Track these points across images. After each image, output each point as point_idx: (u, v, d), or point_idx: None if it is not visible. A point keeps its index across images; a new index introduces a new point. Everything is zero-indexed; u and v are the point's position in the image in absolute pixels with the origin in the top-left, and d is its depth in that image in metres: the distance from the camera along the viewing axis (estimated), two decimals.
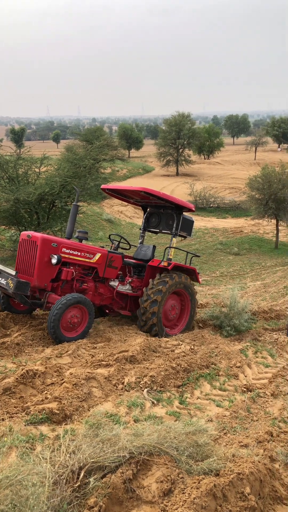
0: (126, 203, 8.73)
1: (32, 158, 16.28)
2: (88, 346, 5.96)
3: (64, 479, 2.65)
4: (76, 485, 2.63)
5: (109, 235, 8.28)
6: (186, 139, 52.88)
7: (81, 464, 2.75)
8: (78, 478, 2.69)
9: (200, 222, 30.83)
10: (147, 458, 2.87)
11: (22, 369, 4.61)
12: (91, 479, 2.65)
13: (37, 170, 15.97)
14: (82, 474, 2.70)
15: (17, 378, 4.42)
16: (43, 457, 2.94)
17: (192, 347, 6.33)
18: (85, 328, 6.22)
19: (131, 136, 65.91)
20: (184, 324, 7.52)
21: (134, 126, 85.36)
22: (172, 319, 7.41)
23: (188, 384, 5.16)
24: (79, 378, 4.48)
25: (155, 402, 4.50)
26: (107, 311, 7.90)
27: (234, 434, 3.93)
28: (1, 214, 14.75)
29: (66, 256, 6.40)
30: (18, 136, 73.35)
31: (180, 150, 53.27)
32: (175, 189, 40.62)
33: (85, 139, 41.89)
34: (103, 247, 7.36)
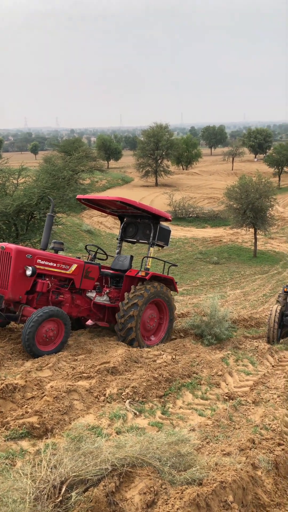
0: (106, 214, 8.69)
1: (9, 170, 16.15)
2: (69, 359, 5.89)
3: (45, 494, 2.60)
4: (57, 500, 2.58)
5: (85, 246, 8.22)
6: (164, 150, 53.45)
7: (63, 479, 2.71)
8: (59, 493, 2.64)
9: (179, 232, 31.06)
10: (129, 470, 2.84)
11: (1, 383, 4.51)
12: (73, 494, 2.61)
13: (15, 181, 15.85)
14: (63, 489, 2.65)
15: None
16: (23, 473, 2.88)
17: (174, 356, 6.33)
18: (62, 341, 6.13)
19: (109, 147, 66.22)
20: (163, 333, 7.51)
21: (112, 137, 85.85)
22: (150, 329, 7.39)
23: (170, 394, 5.15)
24: (60, 391, 4.42)
25: (137, 413, 4.47)
26: (86, 323, 7.81)
27: (216, 443, 3.94)
28: None
29: (41, 267, 6.30)
30: None
31: (159, 161, 53.77)
32: (155, 199, 40.88)
33: (63, 150, 41.83)
34: (79, 257, 7.30)
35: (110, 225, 30.94)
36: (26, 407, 4.18)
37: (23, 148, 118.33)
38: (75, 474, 2.73)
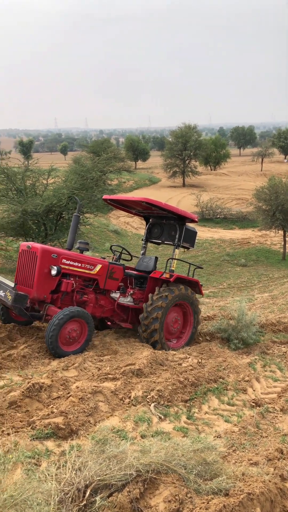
0: (132, 215, 8.68)
1: (39, 170, 16.41)
2: (95, 359, 5.90)
3: (69, 497, 2.59)
4: (82, 504, 2.57)
5: (111, 246, 8.21)
6: (192, 150, 53.14)
7: (87, 482, 2.70)
8: (84, 496, 2.63)
9: (206, 233, 30.80)
10: (154, 476, 2.80)
11: (28, 382, 4.57)
12: (98, 498, 2.59)
13: (44, 181, 16.09)
14: (88, 493, 2.64)
15: (23, 392, 4.38)
16: (48, 474, 2.89)
17: (200, 360, 6.24)
18: (85, 342, 6.13)
19: (137, 148, 66.37)
20: (187, 336, 7.41)
21: (140, 138, 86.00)
22: (174, 332, 7.30)
23: (195, 399, 5.08)
24: (85, 392, 4.42)
25: (162, 417, 4.43)
26: (108, 323, 7.81)
27: (243, 451, 3.85)
28: (9, 225, 14.84)
29: (66, 267, 6.32)
30: (26, 148, 74.10)
31: (187, 161, 53.51)
32: (182, 200, 40.70)
33: (92, 151, 42.26)
34: (104, 258, 7.31)
35: (137, 226, 31.01)
36: (52, 407, 4.21)
37: (53, 148, 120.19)
38: (99, 478, 2.71)
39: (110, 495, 2.66)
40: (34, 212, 13.95)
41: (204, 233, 30.24)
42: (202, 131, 67.84)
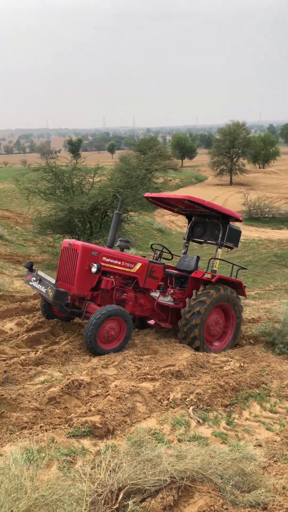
0: (175, 213, 8.57)
1: (86, 169, 16.68)
2: (134, 358, 5.88)
3: (102, 499, 2.56)
4: (114, 507, 2.54)
5: (151, 245, 8.13)
6: (240, 148, 52.12)
7: (121, 485, 2.66)
8: (117, 499, 2.60)
9: (253, 233, 30.05)
10: (189, 484, 2.72)
11: (68, 379, 4.61)
12: (130, 502, 2.55)
13: (91, 180, 16.33)
14: (121, 496, 2.61)
15: (62, 388, 4.42)
16: (83, 473, 2.88)
17: (242, 364, 6.06)
18: (124, 339, 6.12)
19: (184, 146, 65.97)
20: (228, 340, 7.20)
21: (188, 135, 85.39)
22: (215, 335, 7.12)
23: (236, 404, 4.92)
24: (123, 392, 4.40)
25: (201, 421, 4.32)
26: (148, 322, 7.76)
27: (285, 463, 3.67)
28: (56, 223, 15.21)
29: (106, 265, 6.32)
30: (75, 147, 75.75)
31: (234, 159, 52.53)
32: (229, 198, 40.00)
33: (139, 149, 42.45)
34: (144, 256, 7.24)
35: (181, 224, 30.79)
36: (90, 405, 4.22)
37: (101, 147, 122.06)
38: (133, 482, 2.67)
39: (143, 500, 2.61)
40: (80, 210, 14.19)
41: (251, 232, 29.53)
42: (251, 128, 66.33)
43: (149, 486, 2.66)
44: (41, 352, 5.60)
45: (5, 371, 4.61)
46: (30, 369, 4.95)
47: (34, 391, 4.33)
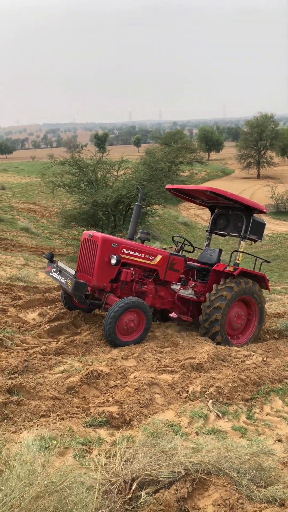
0: (203, 207, 8.43)
1: (111, 162, 16.70)
2: (155, 350, 5.85)
3: (115, 489, 2.55)
4: (127, 497, 2.52)
5: (172, 237, 8.02)
6: (268, 140, 51.09)
7: (134, 475, 2.64)
8: (130, 489, 2.57)
9: (281, 226, 29.45)
10: (204, 477, 2.67)
11: (87, 369, 4.62)
12: (143, 493, 2.52)
13: (115, 173, 16.35)
14: (134, 486, 2.58)
15: (81, 378, 4.44)
16: (98, 462, 2.87)
17: (265, 359, 5.94)
18: (142, 333, 6.08)
19: (211, 139, 65.15)
20: (250, 333, 7.07)
21: (214, 128, 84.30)
22: (237, 329, 6.99)
23: (257, 399, 4.82)
24: (141, 383, 4.38)
25: (220, 414, 4.25)
26: (170, 315, 7.69)
27: None
28: (81, 216, 15.32)
29: (126, 257, 6.28)
30: (101, 141, 75.99)
31: (262, 152, 51.55)
32: (256, 192, 39.33)
33: (164, 142, 42.23)
34: (165, 248, 7.17)
35: (207, 218, 30.48)
36: (108, 395, 4.22)
37: (127, 141, 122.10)
38: (146, 472, 2.64)
39: (156, 491, 2.58)
40: (104, 203, 14.24)
41: (278, 226, 28.95)
42: (279, 120, 64.91)
43: (163, 478, 2.62)
44: (62, 342, 5.64)
45: (25, 360, 4.66)
46: (50, 358, 4.99)
47: (53, 380, 4.36)
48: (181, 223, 27.03)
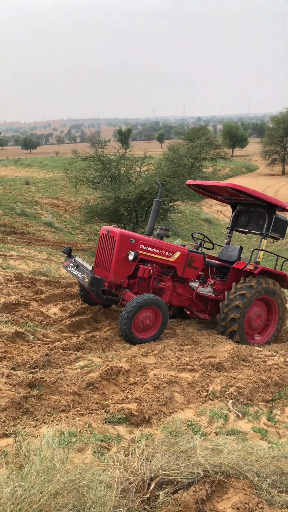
0: (226, 203, 8.32)
1: (134, 158, 16.67)
2: (175, 348, 5.82)
3: (133, 487, 2.54)
4: (145, 496, 2.51)
5: (192, 234, 7.91)
6: None
7: (153, 475, 2.63)
8: (148, 489, 2.56)
9: None
10: (223, 479, 2.64)
11: (107, 365, 4.63)
12: (162, 493, 2.51)
13: (138, 169, 16.32)
14: (152, 486, 2.57)
15: (101, 374, 4.45)
16: (116, 460, 2.87)
17: (287, 359, 5.83)
18: (159, 330, 6.03)
19: (235, 135, 64.34)
20: (270, 333, 6.93)
21: (239, 124, 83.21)
22: (256, 328, 6.85)
23: (278, 400, 4.74)
24: (161, 381, 4.36)
25: (240, 415, 4.19)
26: (187, 312, 7.62)
27: None
28: (103, 211, 15.37)
29: (144, 253, 6.21)
30: (124, 136, 76.06)
31: None
32: (280, 189, 38.69)
33: (188, 138, 41.94)
34: (184, 245, 7.08)
35: (230, 215, 30.20)
36: (127, 392, 4.22)
37: (150, 137, 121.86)
38: (165, 472, 2.62)
39: (175, 492, 2.56)
40: (126, 199, 14.24)
41: None
42: None
43: (182, 478, 2.60)
44: (82, 337, 5.67)
45: (46, 355, 4.71)
46: (71, 353, 5.02)
47: (74, 376, 4.38)
48: (204, 219, 26.84)
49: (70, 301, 6.89)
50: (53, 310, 6.58)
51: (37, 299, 6.88)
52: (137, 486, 2.57)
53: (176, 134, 67.84)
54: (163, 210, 15.52)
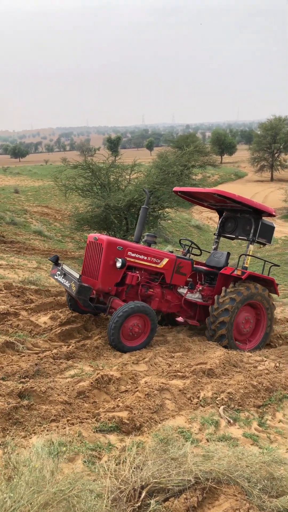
0: (204, 207, 8.34)
1: (123, 165, 16.73)
2: (166, 355, 5.82)
3: (124, 496, 2.53)
4: (136, 505, 2.50)
5: (180, 240, 7.96)
6: (282, 143, 50.72)
7: (143, 483, 2.62)
8: (139, 497, 2.55)
9: None
10: (214, 486, 2.64)
11: (98, 374, 4.61)
12: (153, 501, 2.50)
13: (127, 177, 16.38)
14: (143, 494, 2.56)
15: (92, 383, 4.43)
16: (107, 469, 2.86)
17: (278, 364, 5.87)
18: (147, 338, 5.99)
19: (224, 142, 64.93)
20: (258, 340, 6.95)
21: (228, 131, 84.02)
22: (245, 333, 6.88)
23: (269, 405, 4.76)
24: (152, 388, 4.35)
25: (231, 421, 4.20)
26: (176, 319, 7.62)
27: None
28: (93, 219, 15.38)
29: (132, 260, 6.20)
30: (114, 144, 76.27)
31: (276, 155, 51.21)
32: (269, 195, 39.05)
33: (177, 145, 42.23)
34: (172, 252, 7.10)
35: None
36: (118, 400, 4.20)
37: (140, 144, 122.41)
38: (156, 480, 2.61)
39: (166, 500, 2.55)
40: (116, 207, 14.26)
41: None
42: None
43: (173, 486, 2.60)
44: (73, 346, 5.64)
45: (36, 364, 4.68)
46: (61, 362, 4.99)
47: (64, 385, 4.36)
48: (194, 226, 26.95)
49: (60, 310, 6.86)
50: (43, 319, 6.54)
51: (27, 308, 6.84)
52: (128, 495, 2.56)
53: (166, 142, 68.31)
54: (153, 218, 15.57)
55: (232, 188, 38.82)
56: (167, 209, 16.60)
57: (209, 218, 30.70)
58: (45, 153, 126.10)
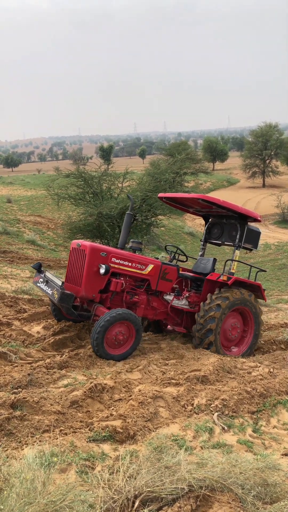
0: (190, 213, 8.32)
1: (115, 174, 16.77)
2: (160, 362, 5.80)
3: (117, 506, 2.50)
4: None
5: (165, 246, 7.91)
6: (273, 149, 51.23)
7: (137, 492, 2.60)
8: (133, 507, 2.53)
9: (287, 235, 29.34)
10: (208, 493, 2.62)
11: (91, 383, 4.59)
12: (146, 510, 2.48)
13: (120, 185, 16.41)
14: (137, 504, 2.54)
15: (85, 392, 4.41)
16: (101, 478, 2.84)
17: (271, 370, 5.86)
18: (132, 346, 5.90)
19: (216, 149, 65.41)
20: (246, 345, 6.91)
21: (219, 139, 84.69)
22: (232, 340, 6.83)
23: (264, 411, 4.75)
24: (146, 396, 4.33)
25: (226, 428, 4.19)
26: (164, 327, 7.57)
27: None
28: (86, 227, 15.38)
29: (116, 266, 6.12)
30: (106, 153, 76.53)
31: (267, 161, 51.65)
32: (261, 201, 39.31)
33: (169, 153, 42.46)
34: (157, 258, 7.07)
35: None
36: (112, 409, 4.18)
37: (132, 152, 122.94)
38: (149, 489, 2.60)
39: (160, 509, 2.53)
40: (108, 215, 14.27)
41: (284, 235, 28.83)
42: (284, 130, 65.06)
43: (166, 494, 2.58)
44: (66, 355, 5.62)
45: (29, 374, 4.65)
46: (54, 372, 4.96)
47: (57, 394, 4.33)
48: (187, 233, 27.03)
49: (53, 319, 6.83)
50: (36, 329, 6.52)
51: (20, 318, 6.81)
52: (121, 504, 2.54)
53: (158, 150, 68.73)
54: (146, 225, 15.58)
55: (224, 195, 39.06)
56: (159, 217, 16.63)
57: (202, 225, 30.78)
58: (38, 163, 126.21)
